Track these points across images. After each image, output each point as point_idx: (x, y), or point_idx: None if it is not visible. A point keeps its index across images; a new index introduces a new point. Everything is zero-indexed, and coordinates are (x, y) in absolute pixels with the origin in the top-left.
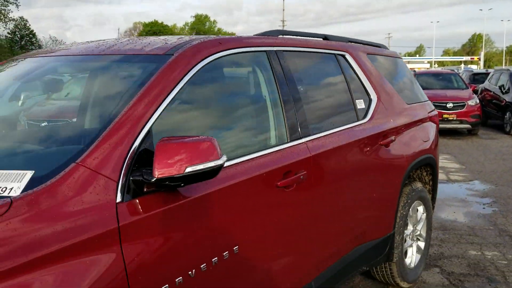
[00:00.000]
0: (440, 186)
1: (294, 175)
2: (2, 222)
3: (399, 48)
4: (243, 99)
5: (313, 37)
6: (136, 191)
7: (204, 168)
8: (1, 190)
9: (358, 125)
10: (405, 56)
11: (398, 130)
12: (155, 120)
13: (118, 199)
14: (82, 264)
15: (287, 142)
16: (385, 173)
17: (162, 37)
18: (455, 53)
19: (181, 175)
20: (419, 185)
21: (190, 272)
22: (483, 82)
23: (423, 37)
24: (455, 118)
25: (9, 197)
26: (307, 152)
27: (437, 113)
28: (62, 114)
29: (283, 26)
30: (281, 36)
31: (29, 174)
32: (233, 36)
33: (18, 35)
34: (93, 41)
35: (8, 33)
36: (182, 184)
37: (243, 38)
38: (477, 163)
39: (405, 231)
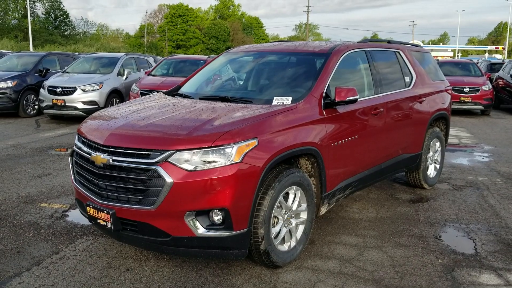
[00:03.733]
0: (452, 146)
1: (378, 110)
2: (294, 110)
3: (422, 36)
4: (357, 72)
5: (382, 42)
6: (325, 107)
7: (352, 99)
8: (284, 103)
9: (406, 90)
10: (429, 44)
11: (426, 95)
12: (329, 81)
13: (322, 108)
14: (311, 128)
15: (374, 95)
16: (419, 117)
17: (316, 43)
18: (480, 42)
19: (344, 100)
20: (437, 129)
21: (343, 140)
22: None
23: (450, 25)
24: (470, 101)
25: (295, 104)
26: (382, 100)
27: (451, 88)
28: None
29: (308, 11)
30: (369, 42)
31: (290, 98)
32: (349, 42)
33: (53, 16)
34: (276, 42)
35: (42, 13)
36: (344, 104)
37: (356, 44)
38: (484, 133)
39: (428, 154)
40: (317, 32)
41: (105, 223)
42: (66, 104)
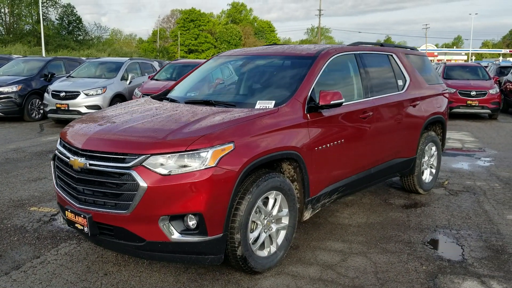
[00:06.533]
0: (454, 150)
1: (367, 113)
2: (275, 114)
3: (436, 39)
4: (345, 76)
5: (374, 45)
6: (309, 110)
7: (337, 102)
8: (267, 106)
9: (398, 93)
10: (442, 47)
11: (421, 99)
12: (314, 84)
13: (305, 112)
14: (293, 132)
15: (363, 98)
16: (412, 121)
17: (305, 46)
18: (495, 45)
19: (329, 104)
20: (433, 133)
21: (328, 145)
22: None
23: (464, 28)
24: (477, 104)
25: (277, 108)
26: (372, 103)
27: (447, 91)
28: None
29: (320, 15)
30: (360, 45)
31: (273, 102)
32: (338, 45)
33: (66, 21)
34: (266, 46)
35: (56, 19)
36: (328, 108)
37: (345, 48)
38: (489, 138)
39: (423, 159)
40: (329, 36)
41: (82, 227)
42: (70, 108)
